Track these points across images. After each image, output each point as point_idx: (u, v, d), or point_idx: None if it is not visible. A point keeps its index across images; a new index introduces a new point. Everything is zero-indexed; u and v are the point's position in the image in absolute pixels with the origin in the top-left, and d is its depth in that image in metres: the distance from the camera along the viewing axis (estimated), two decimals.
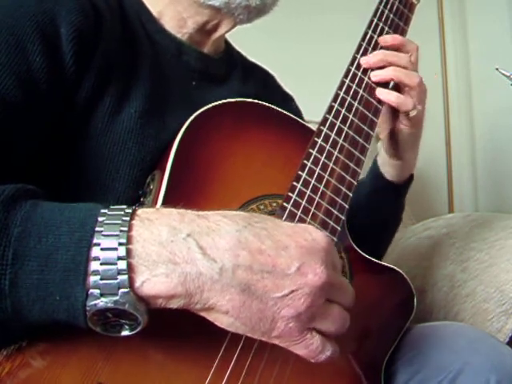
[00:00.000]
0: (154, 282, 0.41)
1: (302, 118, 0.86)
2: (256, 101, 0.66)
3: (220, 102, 0.63)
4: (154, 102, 0.64)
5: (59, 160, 0.58)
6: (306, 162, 0.61)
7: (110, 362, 0.46)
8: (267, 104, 0.67)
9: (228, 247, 0.43)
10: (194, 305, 0.43)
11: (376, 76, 0.70)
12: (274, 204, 0.61)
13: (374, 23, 0.72)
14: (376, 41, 0.71)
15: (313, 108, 0.84)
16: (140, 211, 0.44)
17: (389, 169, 0.81)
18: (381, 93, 0.69)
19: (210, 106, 0.62)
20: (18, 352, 0.43)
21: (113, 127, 0.60)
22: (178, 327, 0.48)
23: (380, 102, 0.70)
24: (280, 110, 0.68)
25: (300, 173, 0.60)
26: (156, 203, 0.55)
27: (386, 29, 0.73)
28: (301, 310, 0.43)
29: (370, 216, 0.81)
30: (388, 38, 0.72)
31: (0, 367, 0.42)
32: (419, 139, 0.78)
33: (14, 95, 0.52)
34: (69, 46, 0.56)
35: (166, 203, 0.54)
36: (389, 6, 0.74)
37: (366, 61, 0.70)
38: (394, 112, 0.73)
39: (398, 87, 0.71)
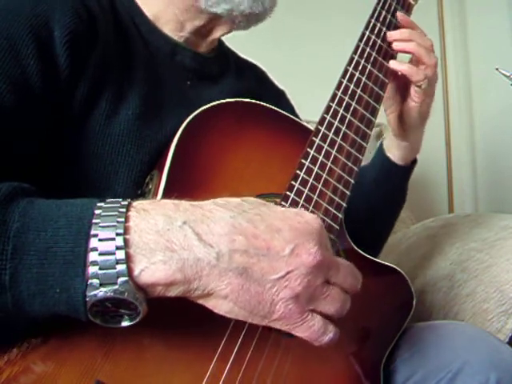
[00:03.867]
0: (153, 269, 0.42)
1: (294, 112, 0.88)
2: (253, 101, 0.67)
3: (217, 102, 0.63)
4: (150, 102, 0.64)
5: (58, 163, 0.58)
6: (303, 161, 0.61)
7: (109, 358, 0.46)
8: (264, 104, 0.67)
9: (223, 233, 0.43)
10: (193, 291, 0.43)
11: (398, 46, 0.73)
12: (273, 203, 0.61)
13: (371, 24, 0.73)
14: (374, 41, 0.72)
15: (312, 108, 0.84)
16: (136, 203, 0.45)
17: (395, 151, 0.82)
18: (394, 63, 0.72)
19: (207, 106, 0.62)
20: (19, 356, 0.44)
21: (110, 129, 0.60)
22: (177, 322, 0.48)
23: (378, 102, 0.70)
24: (277, 109, 0.69)
25: (298, 172, 0.60)
26: None
27: (384, 29, 0.73)
28: (298, 291, 0.44)
29: (378, 200, 0.83)
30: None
31: (2, 372, 0.43)
32: (426, 121, 0.80)
33: (8, 99, 0.52)
34: (63, 49, 0.56)
35: None
36: (386, 7, 0.74)
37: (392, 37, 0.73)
38: (405, 89, 0.75)
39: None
